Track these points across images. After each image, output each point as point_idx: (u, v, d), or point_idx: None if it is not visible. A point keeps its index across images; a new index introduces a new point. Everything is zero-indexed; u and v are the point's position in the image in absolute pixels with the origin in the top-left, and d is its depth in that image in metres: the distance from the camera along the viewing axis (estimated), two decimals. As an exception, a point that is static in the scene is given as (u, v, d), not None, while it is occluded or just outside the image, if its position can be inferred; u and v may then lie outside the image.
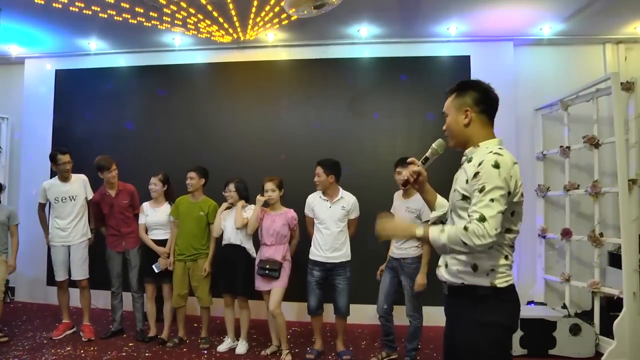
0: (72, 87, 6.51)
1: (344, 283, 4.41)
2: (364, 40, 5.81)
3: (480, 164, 2.02)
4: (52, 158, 4.97)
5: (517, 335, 4.50)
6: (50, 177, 5.42)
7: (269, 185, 4.53)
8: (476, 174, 2.01)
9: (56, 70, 6.57)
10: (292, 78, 6.06)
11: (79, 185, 5.07)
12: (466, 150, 2.21)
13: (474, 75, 5.60)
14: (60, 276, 4.99)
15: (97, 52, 6.36)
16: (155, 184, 4.91)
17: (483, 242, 1.89)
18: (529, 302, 5.26)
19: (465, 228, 1.92)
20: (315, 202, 4.52)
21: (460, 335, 2.10)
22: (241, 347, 4.63)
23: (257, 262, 4.56)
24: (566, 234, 5.14)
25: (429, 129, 5.75)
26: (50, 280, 5.86)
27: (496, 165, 1.97)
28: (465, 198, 2.08)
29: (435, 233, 2.00)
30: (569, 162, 5.25)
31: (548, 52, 5.76)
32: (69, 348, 4.66)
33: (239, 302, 4.67)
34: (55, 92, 6.54)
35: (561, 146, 5.25)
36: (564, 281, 5.11)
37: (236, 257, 4.62)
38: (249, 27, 5.03)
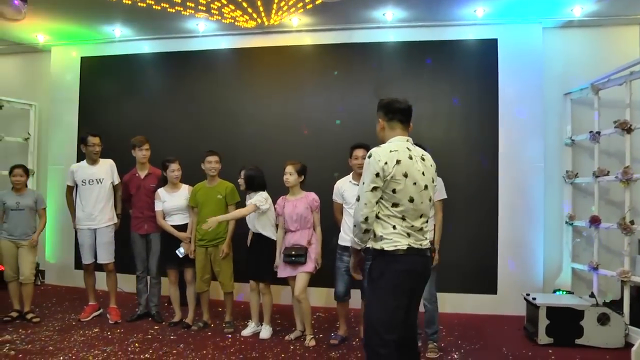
0: (97, 73, 6.60)
1: None
2: (389, 24, 5.72)
3: None
4: (83, 139, 5.09)
5: (543, 323, 4.44)
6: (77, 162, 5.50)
7: (287, 169, 4.51)
8: None
9: (82, 57, 6.65)
10: (317, 63, 6.02)
11: (106, 169, 5.13)
12: None
13: (501, 59, 5.58)
14: (86, 259, 5.08)
15: (122, 39, 6.41)
16: (178, 169, 4.93)
17: (360, 214, 2.59)
18: (555, 290, 5.18)
19: (353, 216, 2.68)
20: (344, 187, 4.48)
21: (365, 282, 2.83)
22: (265, 332, 4.66)
23: (282, 249, 4.56)
24: (595, 221, 5.02)
25: (455, 114, 5.68)
26: (78, 264, 5.99)
27: (369, 156, 2.64)
28: None
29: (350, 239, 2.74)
30: (599, 147, 5.11)
31: (579, 34, 5.58)
32: (96, 330, 4.77)
33: (261, 288, 4.70)
34: (80, 79, 6.63)
35: (591, 131, 5.12)
36: (592, 269, 5.01)
37: (258, 243, 4.65)
38: (273, 11, 5.00)
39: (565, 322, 4.43)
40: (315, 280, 4.69)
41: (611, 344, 4.36)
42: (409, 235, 2.63)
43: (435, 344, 4.23)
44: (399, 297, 2.62)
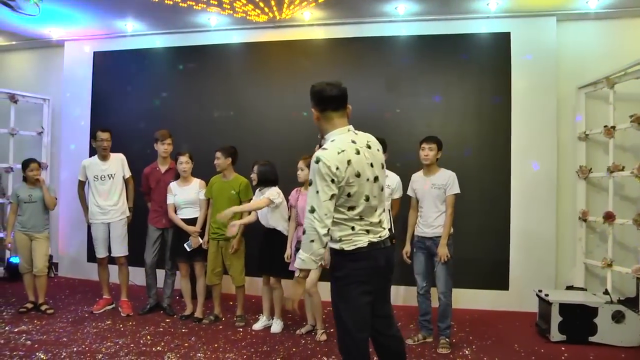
0: (109, 68, 6.63)
1: None
2: (401, 18, 5.68)
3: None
4: (93, 134, 5.14)
5: (556, 320, 4.40)
6: (90, 157, 5.55)
7: (299, 164, 4.52)
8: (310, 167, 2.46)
9: (94, 52, 6.69)
10: (329, 57, 5.98)
11: (117, 164, 5.17)
12: (322, 142, 2.64)
13: (514, 53, 5.51)
14: (100, 253, 5.14)
15: (134, 34, 6.44)
16: (187, 162, 4.92)
17: (320, 227, 2.35)
18: (568, 287, 5.13)
19: (304, 232, 2.42)
20: None
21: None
22: (276, 326, 4.67)
23: (294, 243, 4.56)
24: (609, 217, 4.96)
25: (467, 108, 5.62)
26: (90, 257, 6.05)
27: (317, 161, 2.39)
28: (311, 183, 2.46)
29: (298, 261, 2.45)
30: (614, 142, 5.04)
31: (594, 27, 5.48)
32: (108, 322, 4.81)
33: (272, 282, 4.70)
34: (93, 74, 6.67)
35: (605, 126, 5.05)
36: (606, 266, 4.95)
37: (271, 238, 4.66)
38: (285, 5, 4.99)
39: (579, 319, 4.38)
40: (326, 274, 4.68)
41: (626, 342, 4.29)
42: (368, 232, 2.52)
43: (447, 339, 4.21)
44: (365, 294, 2.51)
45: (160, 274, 5.22)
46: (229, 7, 5.10)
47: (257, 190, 4.72)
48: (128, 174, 5.26)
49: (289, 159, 4.76)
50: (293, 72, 6.03)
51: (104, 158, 5.13)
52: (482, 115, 5.60)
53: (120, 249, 5.13)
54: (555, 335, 4.40)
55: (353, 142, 2.51)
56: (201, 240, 4.88)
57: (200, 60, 6.31)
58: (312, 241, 2.37)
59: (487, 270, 5.48)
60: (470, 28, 5.64)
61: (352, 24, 5.85)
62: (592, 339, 4.36)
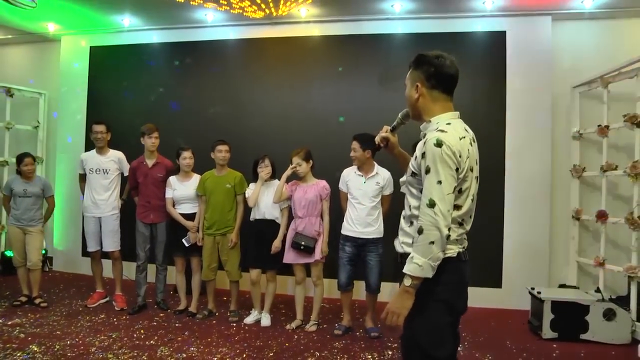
0: (106, 63, 6.62)
1: (376, 260, 4.41)
2: (397, 16, 5.70)
3: (425, 143, 2.01)
4: (90, 127, 5.16)
5: (548, 318, 4.43)
6: (85, 151, 5.56)
7: (295, 159, 4.55)
8: (423, 154, 2.00)
9: (91, 46, 6.68)
10: (325, 54, 5.99)
11: (114, 160, 5.17)
12: (421, 125, 2.20)
13: (509, 51, 5.52)
14: (91, 247, 5.15)
15: (130, 29, 6.43)
16: (190, 157, 4.93)
17: (444, 225, 1.91)
18: (561, 285, 5.16)
19: (420, 231, 1.94)
20: (350, 176, 4.50)
21: None
22: (265, 320, 4.71)
23: (290, 234, 4.60)
24: (602, 216, 4.99)
25: (461, 106, 5.56)
26: (85, 251, 6.03)
27: (438, 144, 1.95)
28: (414, 174, 2.09)
29: (412, 266, 1.96)
30: (607, 141, 5.07)
31: (589, 26, 5.52)
32: (102, 316, 4.82)
33: (267, 275, 4.73)
34: (89, 68, 6.66)
35: (599, 125, 5.08)
36: (598, 265, 4.98)
37: (270, 231, 4.68)
38: (282, 2, 4.99)
39: (570, 316, 4.42)
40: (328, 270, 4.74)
41: (617, 340, 4.33)
42: (457, 241, 2.10)
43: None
44: (449, 312, 2.11)
45: (151, 269, 5.21)
46: (225, 3, 5.10)
47: (259, 183, 4.71)
48: (127, 171, 5.25)
49: (284, 154, 4.77)
50: (289, 68, 6.04)
51: (100, 151, 5.13)
52: (477, 113, 5.59)
53: (111, 244, 5.12)
54: (547, 332, 4.44)
55: (466, 130, 2.12)
56: (199, 236, 4.89)
57: (197, 56, 6.31)
58: (432, 243, 1.92)
59: (481, 267, 5.48)
60: (466, 26, 5.66)
61: (349, 21, 5.86)
62: (583, 336, 4.40)
